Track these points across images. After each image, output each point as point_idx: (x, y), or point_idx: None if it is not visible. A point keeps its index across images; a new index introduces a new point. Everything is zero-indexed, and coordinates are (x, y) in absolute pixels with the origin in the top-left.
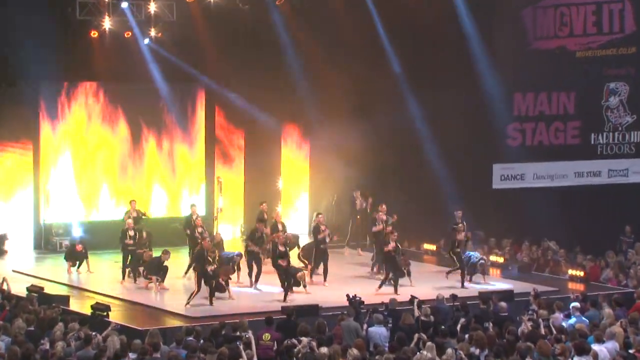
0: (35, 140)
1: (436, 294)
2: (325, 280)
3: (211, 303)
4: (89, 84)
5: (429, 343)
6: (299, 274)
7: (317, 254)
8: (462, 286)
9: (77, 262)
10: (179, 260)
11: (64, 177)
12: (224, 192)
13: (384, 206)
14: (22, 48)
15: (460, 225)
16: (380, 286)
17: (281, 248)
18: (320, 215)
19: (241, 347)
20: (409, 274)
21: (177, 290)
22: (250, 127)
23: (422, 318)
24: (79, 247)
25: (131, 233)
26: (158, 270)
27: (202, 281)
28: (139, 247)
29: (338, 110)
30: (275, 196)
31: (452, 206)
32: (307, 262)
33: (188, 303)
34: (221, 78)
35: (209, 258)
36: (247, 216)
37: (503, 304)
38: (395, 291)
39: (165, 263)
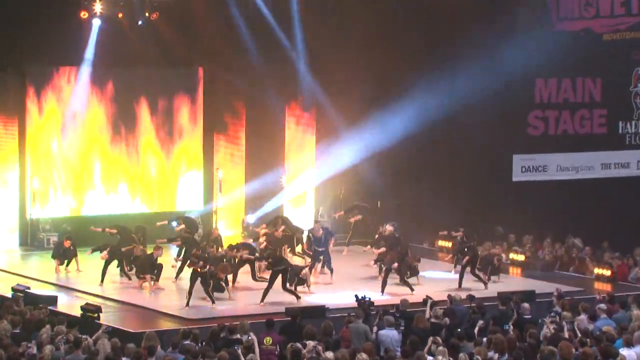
0: (22, 126)
1: (452, 295)
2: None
3: (213, 302)
4: (79, 67)
5: (440, 347)
6: (303, 272)
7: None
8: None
9: (66, 260)
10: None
11: (51, 167)
12: (224, 189)
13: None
14: (8, 30)
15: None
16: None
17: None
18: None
19: (239, 350)
20: (416, 272)
21: (173, 290)
22: (252, 113)
23: (433, 320)
24: (67, 243)
25: (113, 231)
26: (152, 268)
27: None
28: (125, 243)
29: (347, 98)
30: (279, 191)
31: (469, 200)
32: (306, 257)
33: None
34: (220, 62)
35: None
36: (248, 209)
37: (526, 305)
38: (411, 289)
39: (159, 260)
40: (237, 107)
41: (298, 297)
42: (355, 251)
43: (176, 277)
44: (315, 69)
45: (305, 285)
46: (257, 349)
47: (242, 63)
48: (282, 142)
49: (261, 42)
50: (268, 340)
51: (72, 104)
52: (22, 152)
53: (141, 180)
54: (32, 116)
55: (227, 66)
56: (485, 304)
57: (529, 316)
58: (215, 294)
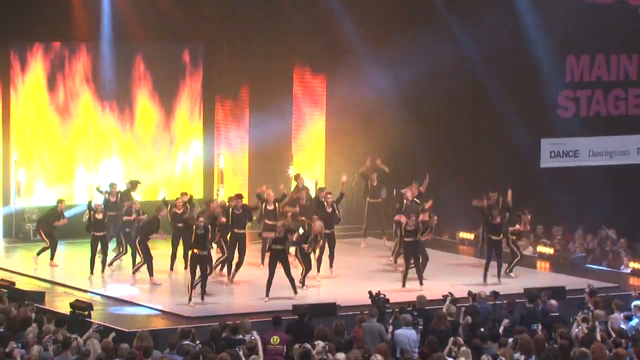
0: (5, 109)
1: (472, 291)
2: (331, 266)
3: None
4: (67, 43)
5: (463, 348)
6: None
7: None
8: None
9: (50, 252)
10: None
11: (37, 153)
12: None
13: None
14: None
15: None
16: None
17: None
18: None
19: (241, 352)
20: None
21: (171, 285)
22: (255, 95)
23: (448, 318)
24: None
25: (99, 216)
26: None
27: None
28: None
29: (359, 73)
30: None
31: (492, 188)
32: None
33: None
34: (220, 36)
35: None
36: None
37: (553, 302)
38: (421, 282)
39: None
40: (240, 82)
41: (295, 292)
42: (371, 244)
43: (171, 269)
44: (323, 27)
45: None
46: (260, 350)
47: (245, 35)
48: (289, 114)
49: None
50: (275, 339)
51: (58, 83)
52: (7, 137)
53: (136, 167)
54: (19, 95)
55: (229, 39)
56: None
57: (557, 314)
58: (214, 288)
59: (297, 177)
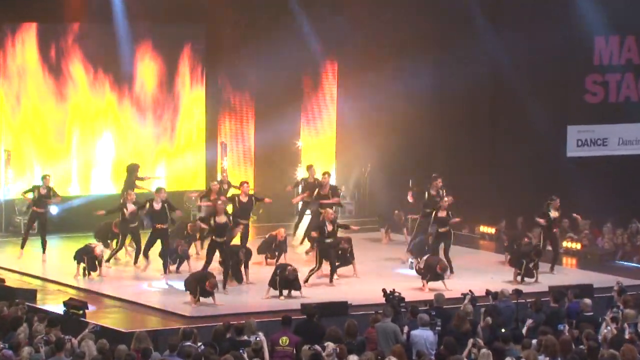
0: None
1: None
2: (331, 280)
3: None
4: (57, 24)
5: (483, 350)
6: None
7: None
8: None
9: (41, 246)
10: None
11: (26, 140)
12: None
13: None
14: None
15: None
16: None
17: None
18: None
19: (245, 355)
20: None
21: (171, 284)
22: (261, 81)
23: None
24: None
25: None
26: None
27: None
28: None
29: (373, 55)
30: (294, 161)
31: (514, 179)
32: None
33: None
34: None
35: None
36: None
37: (587, 301)
38: (451, 271)
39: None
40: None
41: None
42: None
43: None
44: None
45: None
46: (266, 352)
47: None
48: (299, 103)
49: None
50: (284, 340)
51: (47, 65)
52: None
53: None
54: (10, 78)
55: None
56: (530, 300)
57: (591, 313)
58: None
59: (309, 168)
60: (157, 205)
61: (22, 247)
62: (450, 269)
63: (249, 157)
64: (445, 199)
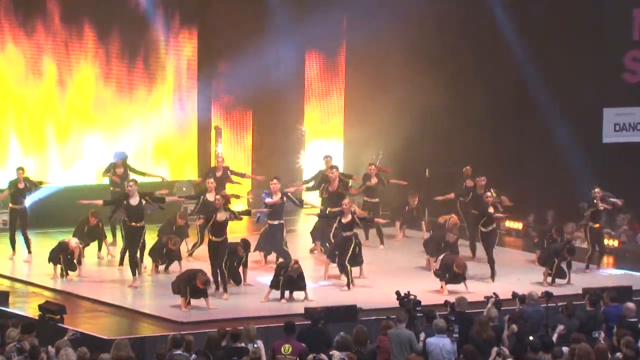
0: None
1: (528, 291)
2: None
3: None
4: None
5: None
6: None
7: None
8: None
9: (97, 241)
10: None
11: (6, 127)
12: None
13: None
14: None
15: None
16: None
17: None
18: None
19: None
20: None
21: (160, 286)
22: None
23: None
24: (94, 220)
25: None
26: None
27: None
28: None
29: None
30: (297, 148)
31: (545, 167)
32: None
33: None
34: None
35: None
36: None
37: (631, 305)
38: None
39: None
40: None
41: None
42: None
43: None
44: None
45: None
46: None
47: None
48: (302, 93)
49: None
50: (287, 348)
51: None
52: None
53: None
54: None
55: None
56: (562, 303)
57: (635, 319)
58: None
59: (328, 160)
60: (133, 201)
61: (13, 248)
62: (491, 276)
63: (247, 143)
64: (488, 193)
